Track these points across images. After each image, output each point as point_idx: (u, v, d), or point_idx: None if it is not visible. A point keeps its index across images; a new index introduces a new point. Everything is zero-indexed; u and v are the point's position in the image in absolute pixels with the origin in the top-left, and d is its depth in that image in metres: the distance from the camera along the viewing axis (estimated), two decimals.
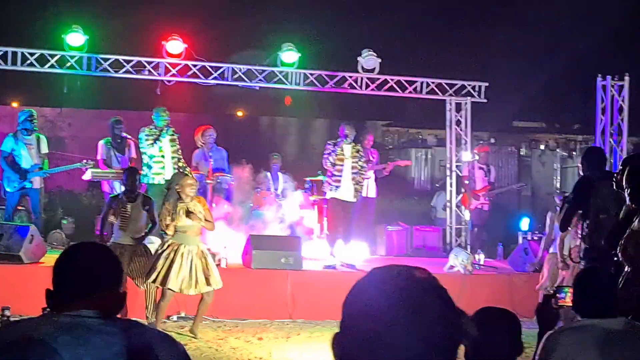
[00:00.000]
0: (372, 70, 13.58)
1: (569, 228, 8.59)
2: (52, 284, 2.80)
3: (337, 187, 11.86)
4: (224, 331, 9.98)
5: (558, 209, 10.98)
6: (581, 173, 8.23)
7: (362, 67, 13.57)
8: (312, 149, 16.80)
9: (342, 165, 11.82)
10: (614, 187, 6.56)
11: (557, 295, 4.36)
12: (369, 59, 13.46)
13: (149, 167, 11.84)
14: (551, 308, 4.31)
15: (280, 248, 11.16)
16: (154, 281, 9.07)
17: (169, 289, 9.04)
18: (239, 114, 20.01)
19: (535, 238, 13.09)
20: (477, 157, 14.66)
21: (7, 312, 7.17)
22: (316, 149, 14.64)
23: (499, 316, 3.61)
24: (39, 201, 12.43)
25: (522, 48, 20.15)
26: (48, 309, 2.80)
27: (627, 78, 13.55)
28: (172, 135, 11.94)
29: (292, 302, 10.78)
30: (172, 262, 8.98)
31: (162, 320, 9.41)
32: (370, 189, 13.66)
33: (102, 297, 2.73)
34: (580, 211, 7.57)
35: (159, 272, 9.00)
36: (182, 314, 10.27)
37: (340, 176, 11.85)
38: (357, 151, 12.02)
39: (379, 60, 13.49)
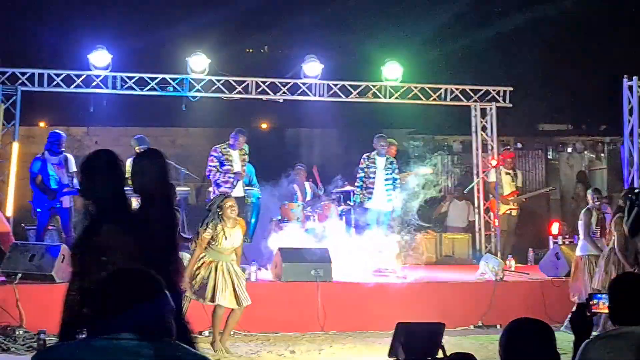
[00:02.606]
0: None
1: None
2: (90, 306, 2.80)
3: (369, 197, 12.65)
4: (256, 345, 9.98)
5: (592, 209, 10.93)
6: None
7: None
8: (338, 159, 16.78)
9: (374, 177, 12.66)
10: None
11: (591, 302, 4.31)
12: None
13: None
14: (585, 316, 4.27)
15: (309, 260, 11.15)
16: (209, 300, 9.12)
17: (218, 305, 9.13)
18: (264, 126, 20.06)
19: (567, 242, 13.01)
20: (502, 163, 14.57)
21: (42, 336, 7.22)
22: (342, 159, 14.65)
23: (532, 327, 3.57)
24: (69, 220, 12.53)
25: (546, 51, 20.05)
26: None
27: None
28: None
29: (323, 313, 10.76)
30: (215, 279, 9.06)
31: (226, 337, 9.48)
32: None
33: (145, 319, 2.75)
34: None
35: (209, 290, 9.08)
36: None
37: (373, 187, 12.66)
38: (391, 163, 12.77)
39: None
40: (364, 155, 12.86)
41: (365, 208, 12.75)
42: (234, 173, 12.14)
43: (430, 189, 13.27)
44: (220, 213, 9.17)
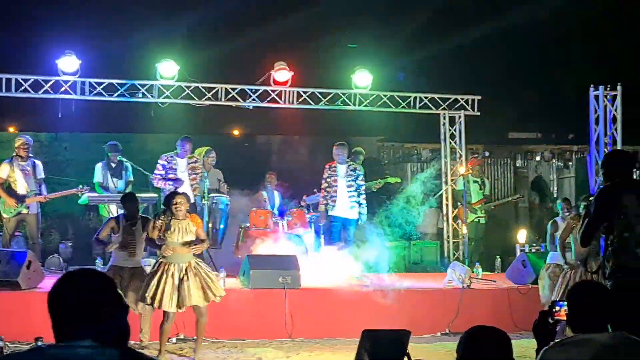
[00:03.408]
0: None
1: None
2: (49, 314, 2.79)
3: (333, 205, 12.81)
4: (224, 352, 9.97)
5: (559, 219, 11.02)
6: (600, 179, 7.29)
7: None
8: (308, 167, 16.81)
9: (336, 185, 12.84)
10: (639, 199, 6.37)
11: (553, 310, 4.36)
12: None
13: None
14: (547, 323, 4.32)
15: (277, 267, 11.15)
16: (149, 303, 9.08)
17: (164, 310, 9.06)
18: (235, 133, 20.03)
19: (534, 250, 13.10)
20: (470, 171, 14.66)
21: (0, 344, 7.14)
22: (311, 167, 14.69)
23: (489, 335, 3.61)
24: (36, 226, 12.47)
25: (515, 59, 20.20)
26: (40, 339, 2.81)
27: (619, 88, 13.58)
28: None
29: (291, 321, 10.77)
30: (165, 283, 8.98)
31: (165, 342, 9.40)
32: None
33: (102, 326, 2.74)
34: (604, 225, 6.69)
35: (153, 294, 9.00)
36: (182, 336, 10.28)
37: (336, 195, 12.84)
38: (352, 170, 12.87)
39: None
40: (326, 165, 13.04)
41: (330, 216, 12.90)
42: (174, 180, 12.22)
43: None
44: (171, 209, 9.16)
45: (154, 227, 9.14)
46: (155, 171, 12.49)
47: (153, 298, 8.95)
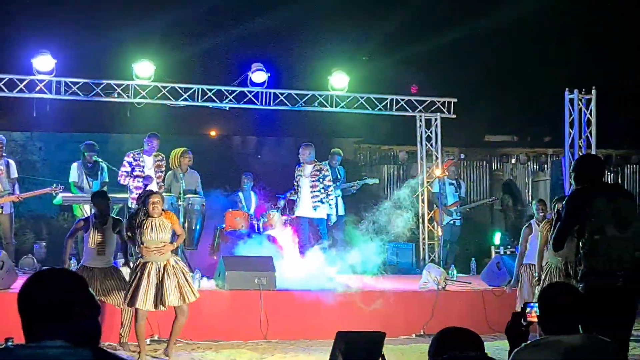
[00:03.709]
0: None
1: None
2: (19, 314, 2.77)
3: (297, 206, 12.91)
4: (198, 353, 9.94)
5: (534, 222, 11.07)
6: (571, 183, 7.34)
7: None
8: (284, 168, 16.81)
9: (300, 185, 12.92)
10: (610, 202, 6.42)
11: (526, 311, 4.38)
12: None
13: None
14: (520, 325, 4.34)
15: (253, 269, 11.13)
16: (127, 303, 9.10)
17: (137, 308, 9.06)
18: (212, 133, 19.99)
19: (508, 252, 13.16)
20: (446, 174, 14.71)
21: None
22: (288, 168, 14.66)
23: (460, 336, 3.62)
24: (10, 226, 12.38)
25: (491, 62, 20.29)
26: (10, 339, 2.78)
27: (594, 91, 13.68)
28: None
29: (266, 322, 10.76)
30: (140, 281, 9.00)
31: (144, 341, 9.39)
32: (339, 207, 14.08)
33: (73, 326, 2.72)
34: (576, 228, 6.68)
35: (128, 292, 9.04)
36: (156, 337, 10.23)
37: (299, 195, 12.87)
38: (318, 170, 12.83)
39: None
40: (297, 165, 13.16)
41: (297, 217, 13.01)
42: (144, 177, 12.14)
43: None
44: (145, 208, 9.15)
45: (130, 227, 9.16)
46: (122, 168, 12.39)
47: (131, 297, 8.97)
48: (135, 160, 12.35)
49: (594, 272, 6.49)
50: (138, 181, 12.14)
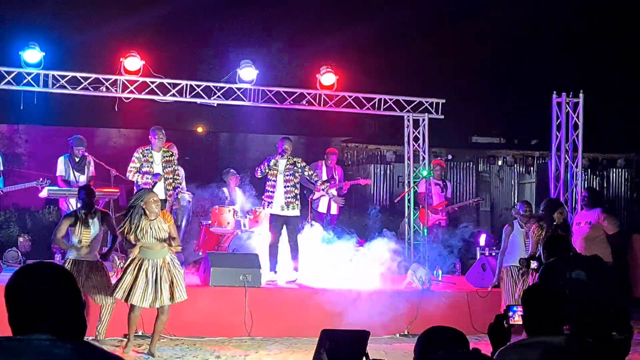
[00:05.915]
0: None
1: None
2: (6, 307, 2.77)
3: (269, 202, 11.86)
4: (182, 349, 9.93)
5: (517, 222, 11.11)
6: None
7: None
8: None
9: (275, 180, 11.83)
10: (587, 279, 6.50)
11: (508, 314, 4.40)
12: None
13: None
14: (502, 327, 4.36)
15: (238, 265, 11.13)
16: (124, 298, 9.07)
17: (132, 304, 9.04)
18: (199, 129, 19.97)
19: (493, 254, 13.20)
20: (432, 174, 14.73)
21: None
22: None
23: (446, 334, 3.64)
24: None
25: (479, 64, 20.36)
26: None
27: (581, 95, 13.74)
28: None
29: (250, 319, 10.76)
30: (136, 277, 8.97)
31: (133, 333, 9.39)
32: (332, 206, 14.07)
33: (60, 319, 2.72)
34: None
35: (124, 288, 9.00)
36: (140, 333, 10.20)
37: (273, 191, 11.83)
38: (293, 164, 11.88)
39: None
40: (267, 160, 12.05)
41: (272, 215, 11.96)
42: (153, 174, 11.91)
43: None
44: (143, 208, 9.08)
45: (127, 228, 9.06)
46: (131, 164, 12.09)
47: (127, 293, 8.96)
48: (144, 156, 12.01)
49: None
50: (147, 178, 11.86)
